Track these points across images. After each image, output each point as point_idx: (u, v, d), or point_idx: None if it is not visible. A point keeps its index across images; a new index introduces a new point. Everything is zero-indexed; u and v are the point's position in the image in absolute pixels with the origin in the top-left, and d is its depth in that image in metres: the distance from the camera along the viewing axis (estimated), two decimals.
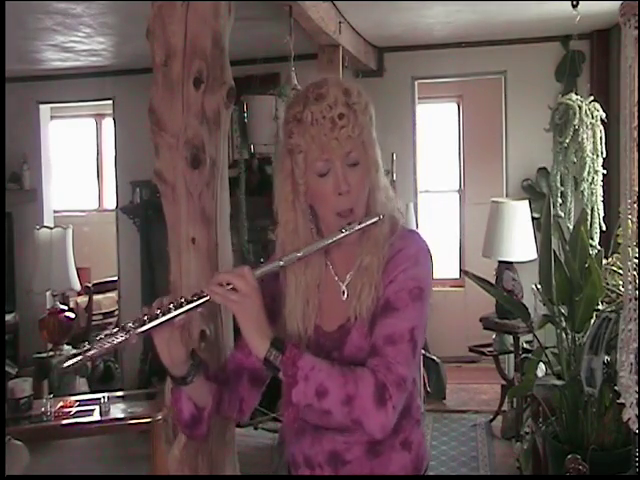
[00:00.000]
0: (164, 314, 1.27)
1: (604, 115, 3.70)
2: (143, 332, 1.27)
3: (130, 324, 1.27)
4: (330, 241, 1.34)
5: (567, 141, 3.63)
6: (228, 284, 1.26)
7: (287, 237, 1.39)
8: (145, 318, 1.27)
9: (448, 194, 6.73)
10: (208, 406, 1.38)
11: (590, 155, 3.63)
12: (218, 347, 1.76)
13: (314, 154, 1.31)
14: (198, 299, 1.28)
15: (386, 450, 1.41)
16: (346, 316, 1.39)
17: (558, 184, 3.73)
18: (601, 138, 3.67)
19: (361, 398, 1.24)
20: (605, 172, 3.71)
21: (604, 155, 3.68)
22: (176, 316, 1.27)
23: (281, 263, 1.31)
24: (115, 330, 1.28)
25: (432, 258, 1.40)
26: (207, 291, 1.27)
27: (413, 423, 1.46)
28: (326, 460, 1.42)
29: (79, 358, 1.25)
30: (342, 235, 1.33)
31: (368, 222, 1.34)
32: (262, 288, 1.29)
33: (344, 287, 1.41)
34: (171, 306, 1.27)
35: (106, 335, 1.27)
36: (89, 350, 1.25)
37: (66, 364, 1.25)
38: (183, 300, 1.28)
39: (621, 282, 2.92)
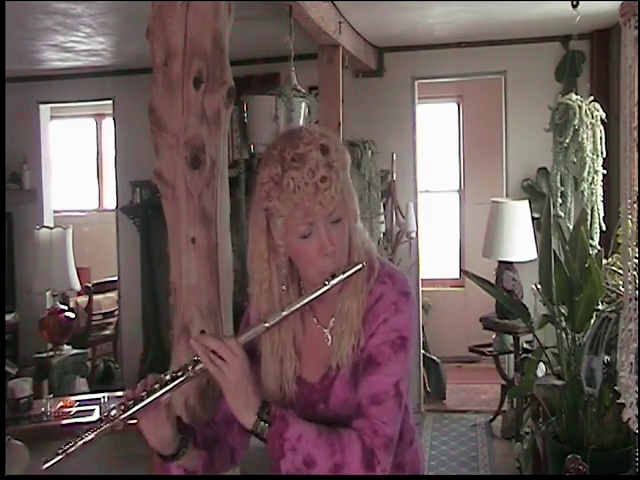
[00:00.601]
0: (149, 395, 1.24)
1: (604, 115, 3.70)
2: (128, 417, 1.24)
3: (114, 412, 1.24)
4: (314, 296, 1.30)
5: (567, 141, 3.63)
6: (213, 351, 1.22)
7: (262, 296, 1.36)
8: (130, 403, 1.25)
9: (448, 194, 6.73)
10: (199, 471, 1.36)
11: (590, 155, 3.63)
12: None
13: (296, 220, 1.27)
14: (182, 375, 1.24)
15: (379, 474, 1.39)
16: (328, 365, 1.37)
17: (558, 184, 3.73)
18: (601, 138, 3.67)
19: (349, 467, 1.23)
20: (605, 172, 3.71)
21: (604, 155, 3.68)
22: (161, 395, 1.24)
23: (266, 325, 1.27)
24: (98, 420, 1.25)
25: (413, 300, 1.37)
26: (202, 357, 1.22)
27: (406, 446, 1.44)
28: None
29: (60, 457, 1.20)
30: (326, 289, 1.29)
31: (351, 271, 1.31)
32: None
33: (327, 333, 1.39)
34: (156, 386, 1.24)
35: (90, 429, 1.23)
36: (72, 446, 1.21)
37: (47, 465, 1.19)
38: (168, 377, 1.25)
39: (621, 282, 2.92)
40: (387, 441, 1.27)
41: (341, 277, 1.30)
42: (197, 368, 1.24)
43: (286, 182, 1.24)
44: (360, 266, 1.31)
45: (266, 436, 1.24)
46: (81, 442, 1.22)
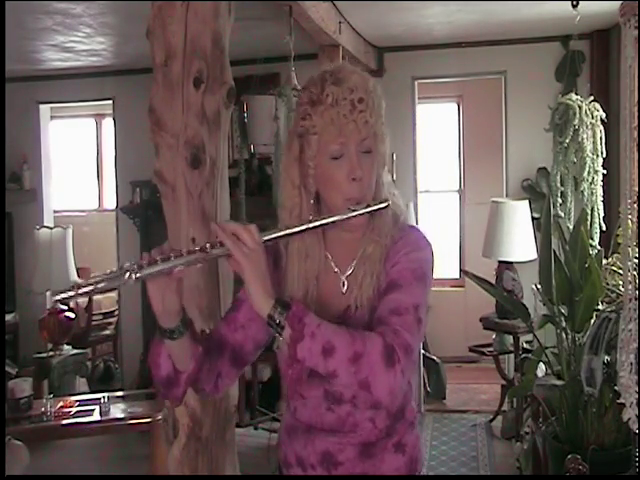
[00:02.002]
0: (164, 261, 1.22)
1: (604, 115, 3.70)
2: (141, 276, 1.21)
3: (128, 264, 1.22)
4: (337, 219, 1.30)
5: (567, 141, 3.63)
6: (235, 235, 1.22)
7: (292, 221, 1.36)
8: (143, 263, 1.22)
9: (448, 194, 6.72)
10: (188, 370, 1.32)
11: (590, 155, 3.63)
12: None
13: (330, 136, 1.30)
14: (200, 251, 1.23)
15: (379, 452, 1.39)
16: (343, 308, 1.37)
17: (558, 184, 3.73)
18: (601, 138, 3.67)
19: (369, 356, 1.20)
20: (605, 172, 3.71)
21: (604, 155, 3.68)
22: (175, 265, 1.22)
23: (287, 231, 1.29)
24: (110, 271, 1.22)
25: (432, 250, 1.39)
26: (221, 236, 1.21)
27: (407, 425, 1.44)
28: (318, 461, 1.40)
29: (71, 293, 1.18)
30: (350, 215, 1.30)
31: (377, 207, 1.32)
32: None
33: (344, 279, 1.39)
34: (172, 255, 1.22)
35: (102, 274, 1.21)
36: (83, 286, 1.19)
37: (57, 297, 1.19)
38: (184, 252, 1.23)
39: (621, 282, 2.92)
40: (406, 344, 1.24)
41: (365, 209, 1.31)
42: (215, 250, 1.23)
43: (325, 95, 1.29)
44: (386, 204, 1.33)
45: (285, 320, 1.20)
46: (93, 282, 1.19)
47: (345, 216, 1.30)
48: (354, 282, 1.37)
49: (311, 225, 1.29)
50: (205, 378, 1.38)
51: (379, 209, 1.32)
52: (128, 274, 1.20)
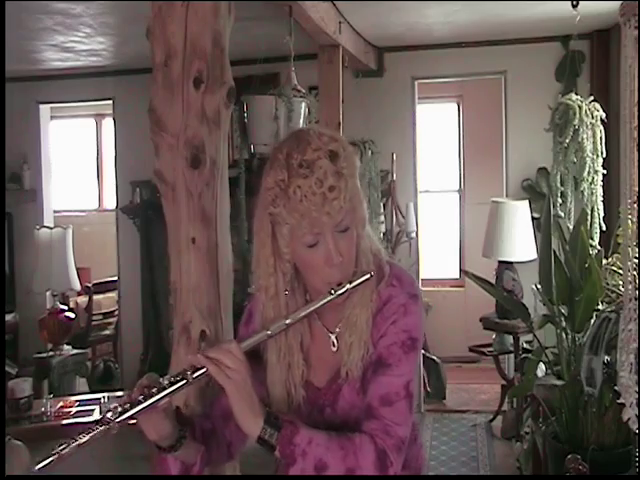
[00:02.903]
0: (146, 399, 1.22)
1: (604, 115, 3.70)
2: (124, 420, 1.22)
3: (109, 414, 1.22)
4: (319, 305, 1.27)
5: (567, 141, 3.63)
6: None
7: (268, 302, 1.32)
8: (127, 406, 1.23)
9: (448, 194, 6.73)
10: (196, 464, 1.34)
11: (590, 155, 3.63)
12: None
13: (303, 229, 1.22)
14: (181, 380, 1.22)
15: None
16: (336, 369, 1.35)
17: (558, 184, 3.73)
18: (601, 138, 3.66)
19: (362, 470, 1.21)
20: (605, 172, 3.71)
21: (604, 155, 3.68)
22: (159, 400, 1.22)
23: (269, 332, 1.25)
24: (95, 422, 1.23)
25: (422, 301, 1.36)
26: (203, 362, 1.20)
27: (411, 440, 1.42)
28: None
29: (54, 457, 1.18)
30: (332, 297, 1.26)
31: (359, 281, 1.27)
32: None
33: (333, 338, 1.36)
34: (154, 390, 1.22)
35: (85, 430, 1.21)
36: (66, 447, 1.18)
37: (40, 465, 1.18)
38: (166, 382, 1.22)
39: (621, 282, 2.92)
40: (399, 442, 1.25)
41: (348, 286, 1.26)
42: (196, 374, 1.22)
43: (292, 190, 1.19)
44: (368, 276, 1.28)
45: (275, 442, 1.20)
46: (75, 444, 1.19)
47: (325, 301, 1.26)
48: (343, 346, 1.34)
49: (289, 321, 1.26)
50: (217, 456, 1.39)
51: (361, 282, 1.28)
52: (112, 423, 1.21)
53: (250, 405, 1.21)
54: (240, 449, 1.45)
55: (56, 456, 1.18)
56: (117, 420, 1.21)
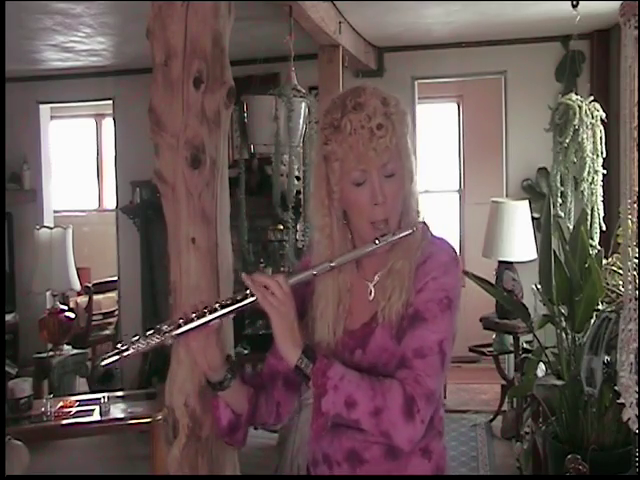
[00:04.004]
0: (199, 318, 1.29)
1: (604, 115, 3.70)
2: (179, 335, 1.29)
3: (165, 326, 1.30)
4: (363, 252, 1.35)
5: (567, 141, 3.63)
6: (265, 287, 1.28)
7: (323, 241, 1.39)
8: (180, 321, 1.30)
9: (448, 194, 6.73)
10: (245, 412, 1.40)
11: (590, 155, 3.63)
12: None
13: (351, 163, 1.30)
14: (233, 303, 1.30)
15: (405, 454, 1.39)
16: (370, 315, 1.39)
17: (558, 184, 3.73)
18: (601, 138, 3.67)
19: (389, 411, 1.25)
20: (605, 172, 3.71)
21: (604, 155, 3.68)
22: (211, 320, 1.30)
23: (314, 272, 1.33)
24: (151, 332, 1.30)
25: (460, 267, 1.40)
26: (252, 288, 1.28)
27: (435, 433, 1.46)
28: (344, 458, 1.41)
29: (116, 358, 1.28)
30: (376, 247, 1.33)
31: (402, 234, 1.34)
32: (293, 290, 1.31)
33: (371, 287, 1.41)
34: (206, 310, 1.30)
35: (142, 336, 1.30)
36: (126, 350, 1.28)
37: (104, 362, 1.28)
38: (217, 305, 1.30)
39: (621, 282, 2.92)
40: (428, 392, 1.29)
41: (391, 238, 1.33)
42: (246, 301, 1.30)
43: (344, 124, 1.28)
44: (410, 230, 1.34)
45: (310, 372, 1.27)
46: (133, 348, 1.29)
47: (369, 249, 1.33)
48: (381, 293, 1.38)
49: (334, 264, 1.33)
50: (265, 412, 1.45)
51: (404, 236, 1.34)
52: (167, 334, 1.29)
53: (291, 334, 1.29)
54: (289, 410, 1.51)
55: (118, 357, 1.29)
56: (173, 333, 1.29)
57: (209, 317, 1.29)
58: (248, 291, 1.30)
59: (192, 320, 1.29)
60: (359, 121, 1.28)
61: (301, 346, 1.28)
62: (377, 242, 1.32)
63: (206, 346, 1.33)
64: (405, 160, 1.35)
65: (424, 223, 1.42)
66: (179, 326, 1.29)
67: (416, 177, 1.39)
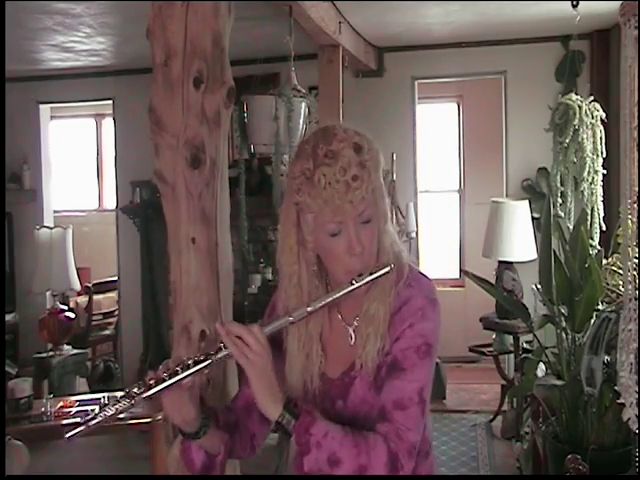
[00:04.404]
0: (170, 377, 1.25)
1: (604, 115, 3.70)
2: (149, 396, 1.26)
3: (135, 390, 1.26)
4: (340, 294, 1.30)
5: (567, 141, 3.63)
6: (238, 337, 1.24)
7: (291, 290, 1.35)
8: (151, 382, 1.26)
9: (448, 194, 6.73)
10: (220, 454, 1.36)
11: (590, 155, 3.63)
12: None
13: (326, 217, 1.27)
14: (206, 359, 1.26)
15: None
16: (350, 362, 1.37)
17: (558, 184, 3.73)
18: (601, 138, 3.66)
19: (373, 470, 1.23)
20: (605, 172, 3.71)
21: (604, 155, 3.68)
22: (183, 378, 1.26)
23: (291, 319, 1.29)
24: (120, 396, 1.26)
25: (439, 307, 1.38)
26: (226, 340, 1.24)
27: (422, 457, 1.42)
28: None
29: (82, 428, 1.22)
30: (352, 288, 1.29)
31: (379, 273, 1.31)
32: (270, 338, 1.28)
33: (351, 331, 1.38)
34: (178, 368, 1.26)
35: (110, 402, 1.25)
36: (93, 419, 1.23)
37: (69, 434, 1.23)
38: (190, 362, 1.26)
39: (621, 282, 2.92)
40: (410, 447, 1.27)
41: (368, 278, 1.30)
42: (220, 355, 1.26)
43: (317, 178, 1.24)
44: (388, 268, 1.31)
45: (291, 429, 1.23)
46: (102, 415, 1.23)
47: (346, 290, 1.30)
48: (359, 339, 1.35)
49: (311, 308, 1.29)
50: (240, 448, 1.41)
51: (381, 275, 1.31)
52: (136, 397, 1.25)
53: (270, 388, 1.24)
54: (263, 442, 1.47)
55: (84, 427, 1.22)
56: (143, 395, 1.25)
57: (181, 375, 1.25)
58: (222, 344, 1.25)
59: (163, 380, 1.25)
60: (333, 174, 1.23)
61: (282, 401, 1.24)
62: (354, 282, 1.29)
63: (180, 404, 1.28)
64: (381, 203, 1.32)
65: (410, 265, 1.39)
66: (150, 387, 1.25)
67: (389, 215, 1.37)
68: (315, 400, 1.37)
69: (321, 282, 1.38)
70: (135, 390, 1.26)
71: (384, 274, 1.31)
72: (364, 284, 1.30)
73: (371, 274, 1.30)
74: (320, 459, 1.22)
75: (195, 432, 1.32)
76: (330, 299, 1.31)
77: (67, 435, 1.23)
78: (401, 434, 1.26)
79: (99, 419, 1.23)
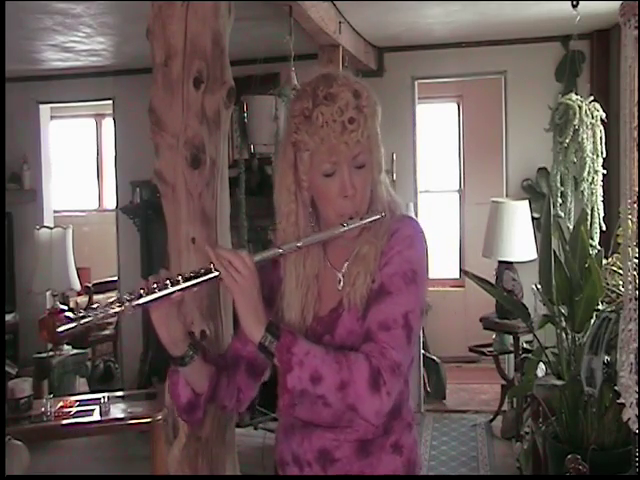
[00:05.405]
0: (160, 289, 1.27)
1: (604, 115, 3.70)
2: (139, 305, 1.28)
3: (126, 296, 1.28)
4: (330, 234, 1.34)
5: (567, 141, 3.63)
6: (229, 262, 1.26)
7: (289, 228, 1.38)
8: (141, 292, 1.28)
9: (448, 194, 6.73)
10: (205, 391, 1.38)
11: (590, 155, 3.63)
12: (218, 347, 1.76)
13: (321, 155, 1.30)
14: (196, 277, 1.28)
15: (376, 451, 1.39)
16: (338, 301, 1.39)
17: (558, 184, 3.73)
18: (601, 138, 3.67)
19: (355, 384, 1.24)
20: (605, 172, 3.71)
21: (604, 155, 3.68)
22: (173, 292, 1.28)
23: (280, 250, 1.32)
24: (111, 301, 1.29)
25: (427, 243, 1.40)
26: (215, 263, 1.26)
27: (404, 426, 1.44)
28: (315, 458, 1.40)
29: (73, 324, 1.25)
30: (343, 229, 1.33)
31: (370, 219, 1.34)
32: (261, 276, 1.29)
33: (340, 276, 1.41)
34: (168, 282, 1.28)
35: (102, 305, 1.28)
36: (84, 317, 1.26)
37: (61, 329, 1.26)
38: (180, 277, 1.28)
39: (621, 282, 2.92)
40: (393, 364, 1.27)
41: (359, 222, 1.33)
42: (209, 275, 1.27)
43: (315, 116, 1.28)
44: (379, 216, 1.35)
45: (274, 349, 1.25)
46: (93, 314, 1.27)
47: (337, 232, 1.33)
48: (348, 280, 1.38)
49: (301, 244, 1.32)
50: (225, 395, 1.43)
51: (372, 221, 1.34)
52: (127, 304, 1.28)
53: (254, 311, 1.27)
54: (249, 397, 1.49)
55: (75, 323, 1.26)
56: (133, 303, 1.28)
57: (171, 289, 1.27)
58: (212, 265, 1.27)
59: (154, 291, 1.27)
60: (331, 114, 1.27)
61: (264, 323, 1.26)
62: (345, 225, 1.32)
63: (167, 318, 1.31)
64: (375, 151, 1.35)
65: (393, 208, 1.41)
66: (140, 296, 1.28)
67: (383, 166, 1.40)
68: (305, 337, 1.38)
69: (316, 225, 1.41)
70: (126, 296, 1.29)
71: (374, 220, 1.34)
72: (354, 227, 1.33)
73: (361, 219, 1.33)
74: (303, 377, 1.24)
75: (181, 357, 1.34)
76: (320, 237, 1.35)
77: (59, 329, 1.26)
78: (384, 352, 1.27)
79: (89, 318, 1.26)
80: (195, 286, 1.29)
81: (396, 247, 1.35)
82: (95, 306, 1.29)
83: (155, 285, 1.28)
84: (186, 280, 1.28)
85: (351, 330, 1.36)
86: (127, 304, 1.27)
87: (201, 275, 1.28)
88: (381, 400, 1.25)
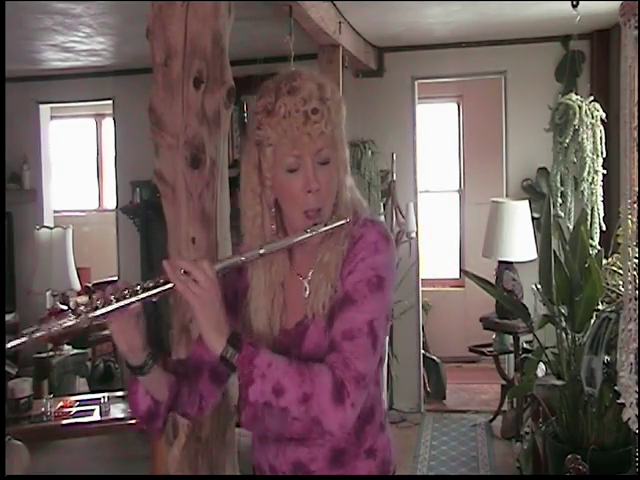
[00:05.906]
0: (118, 300, 1.25)
1: (604, 115, 3.70)
2: (95, 317, 1.25)
3: (82, 308, 1.25)
4: (294, 240, 1.31)
5: (567, 141, 3.63)
6: (187, 273, 1.23)
7: (254, 231, 1.36)
8: (98, 303, 1.25)
9: (448, 194, 6.73)
10: (165, 400, 1.35)
11: (590, 155, 3.63)
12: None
13: (284, 148, 1.27)
14: (155, 287, 1.25)
15: (351, 460, 1.38)
16: (304, 313, 1.37)
17: (558, 184, 3.73)
18: (601, 138, 3.67)
19: (318, 397, 1.22)
20: (605, 172, 3.71)
21: (604, 155, 3.68)
22: (130, 304, 1.25)
23: (242, 258, 1.28)
24: (67, 313, 1.26)
25: (394, 246, 1.37)
26: (171, 277, 1.23)
27: (377, 429, 1.42)
28: (290, 470, 1.39)
29: (24, 339, 1.21)
30: (307, 235, 1.29)
31: (334, 225, 1.31)
32: (225, 283, 1.28)
33: (306, 284, 1.38)
34: (126, 292, 1.25)
35: (59, 318, 1.25)
36: (36, 331, 1.22)
37: (10, 344, 1.22)
38: (139, 288, 1.25)
39: (621, 282, 2.93)
40: (358, 375, 1.25)
41: (323, 228, 1.30)
42: (169, 285, 1.24)
43: (277, 107, 1.25)
44: (344, 221, 1.32)
45: (235, 362, 1.22)
46: (46, 328, 1.23)
47: (301, 237, 1.30)
48: (312, 287, 1.36)
49: (263, 251, 1.28)
50: (187, 402, 1.40)
51: (337, 226, 1.31)
52: (82, 315, 1.25)
53: (216, 323, 1.23)
54: (212, 404, 1.46)
55: (26, 338, 1.22)
56: (89, 315, 1.25)
57: (128, 300, 1.24)
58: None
59: (110, 302, 1.24)
60: (294, 104, 1.25)
61: (226, 335, 1.23)
62: (308, 231, 1.29)
63: (126, 328, 1.28)
64: (340, 149, 1.33)
65: (359, 211, 1.38)
66: (96, 308, 1.25)
67: (349, 168, 1.37)
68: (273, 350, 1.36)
69: (279, 229, 1.38)
70: (82, 309, 1.25)
71: (339, 226, 1.32)
72: (318, 233, 1.30)
73: (326, 225, 1.31)
74: (265, 390, 1.22)
75: (140, 366, 1.32)
76: (284, 243, 1.32)
77: (9, 345, 1.21)
78: (348, 362, 1.25)
79: (42, 333, 1.22)
80: (154, 296, 1.25)
81: (360, 254, 1.32)
82: (51, 320, 1.26)
83: (112, 296, 1.25)
84: (145, 290, 1.25)
85: (318, 344, 1.33)
86: (83, 316, 1.24)
87: (160, 285, 1.25)
88: (345, 412, 1.23)
